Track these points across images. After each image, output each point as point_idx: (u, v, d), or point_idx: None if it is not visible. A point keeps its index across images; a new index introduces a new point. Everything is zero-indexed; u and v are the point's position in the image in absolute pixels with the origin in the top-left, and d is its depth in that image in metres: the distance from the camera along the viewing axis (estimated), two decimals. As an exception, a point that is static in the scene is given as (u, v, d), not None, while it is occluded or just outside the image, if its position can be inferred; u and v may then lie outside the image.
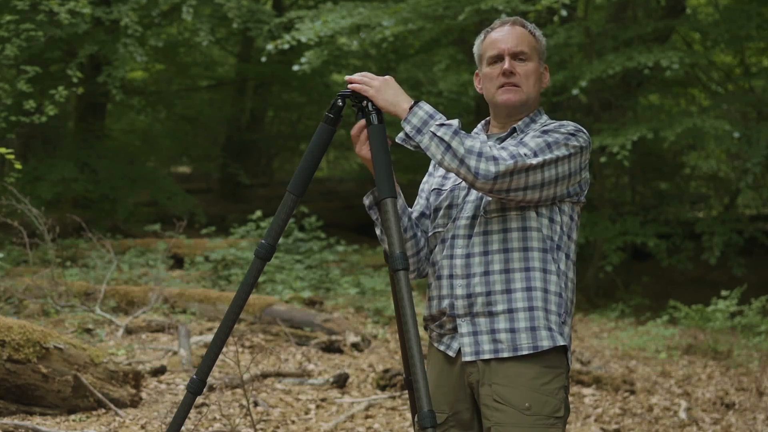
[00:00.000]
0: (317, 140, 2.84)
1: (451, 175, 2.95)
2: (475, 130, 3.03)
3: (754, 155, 10.28)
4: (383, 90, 2.79)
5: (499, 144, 2.88)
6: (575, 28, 11.31)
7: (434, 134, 2.71)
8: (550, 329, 2.78)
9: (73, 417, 5.19)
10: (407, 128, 2.75)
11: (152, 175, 15.61)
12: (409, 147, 2.79)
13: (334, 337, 7.50)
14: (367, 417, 5.74)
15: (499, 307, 2.79)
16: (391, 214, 2.71)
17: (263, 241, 2.84)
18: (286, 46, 11.16)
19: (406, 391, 4.78)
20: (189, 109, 19.55)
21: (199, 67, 18.91)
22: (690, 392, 7.00)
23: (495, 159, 2.67)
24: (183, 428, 2.89)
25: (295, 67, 11.24)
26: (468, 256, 2.82)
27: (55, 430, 4.89)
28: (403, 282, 2.68)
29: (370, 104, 2.80)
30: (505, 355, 2.78)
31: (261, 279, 9.33)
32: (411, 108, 2.75)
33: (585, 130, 2.86)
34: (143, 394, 5.72)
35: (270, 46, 11.24)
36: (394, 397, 6.15)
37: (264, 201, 15.83)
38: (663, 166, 14.77)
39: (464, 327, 2.83)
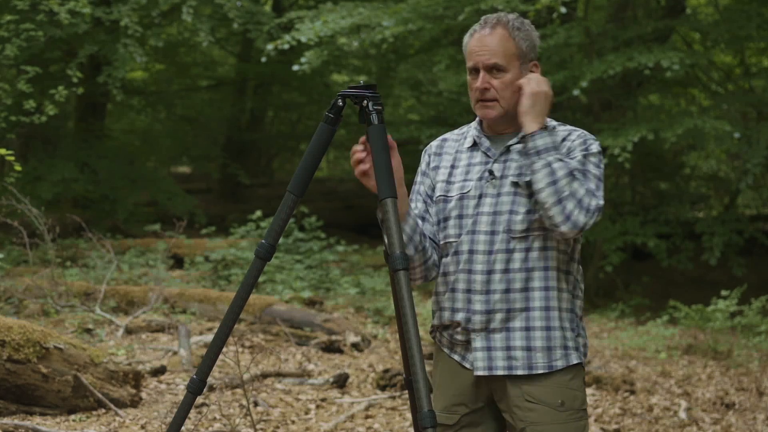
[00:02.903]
0: (317, 140, 2.84)
1: (455, 179, 2.92)
2: (472, 131, 2.97)
3: (754, 155, 10.28)
4: (542, 99, 2.80)
5: (505, 151, 2.87)
6: (575, 28, 11.30)
7: (549, 164, 2.74)
8: (565, 347, 2.84)
9: (73, 417, 5.19)
10: (530, 143, 2.77)
11: (152, 175, 15.61)
12: (510, 149, 2.83)
13: (334, 337, 7.50)
14: (367, 417, 5.74)
15: (517, 324, 2.82)
16: (391, 214, 2.70)
17: (263, 241, 2.84)
18: (286, 47, 11.15)
19: (406, 391, 4.78)
20: (189, 109, 19.55)
21: (199, 67, 18.91)
22: (690, 392, 7.00)
23: (588, 211, 2.72)
24: (183, 428, 2.89)
25: (295, 67, 11.24)
26: (489, 272, 2.82)
27: (55, 430, 4.89)
28: (403, 282, 2.67)
29: (370, 104, 2.79)
30: (520, 372, 2.82)
31: (261, 279, 9.33)
32: (543, 129, 2.78)
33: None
34: (143, 394, 5.72)
35: (270, 47, 11.24)
36: (394, 397, 6.15)
37: (264, 201, 15.83)
38: (663, 166, 14.76)
39: (478, 342, 2.85)
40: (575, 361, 2.84)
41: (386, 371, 6.46)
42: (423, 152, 3.06)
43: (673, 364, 8.03)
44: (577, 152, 2.83)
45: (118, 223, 13.76)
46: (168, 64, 17.94)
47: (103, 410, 5.32)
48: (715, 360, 8.20)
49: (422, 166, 3.04)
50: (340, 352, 7.38)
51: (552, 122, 2.93)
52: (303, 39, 10.94)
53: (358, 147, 2.79)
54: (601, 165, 2.83)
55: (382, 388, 6.35)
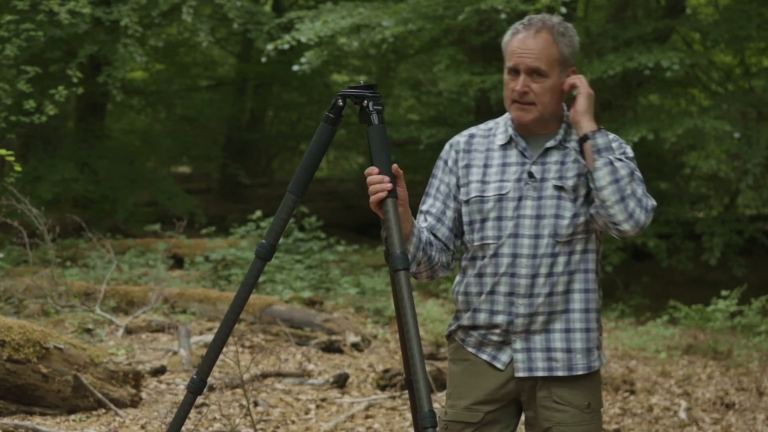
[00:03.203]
0: (318, 140, 2.84)
1: (490, 179, 2.88)
2: (504, 127, 2.93)
3: (754, 155, 10.27)
4: (593, 100, 2.86)
5: (543, 153, 2.87)
6: (575, 28, 11.28)
7: (611, 162, 2.75)
8: (598, 348, 2.90)
9: (73, 417, 5.19)
10: (591, 141, 2.79)
11: (152, 175, 15.60)
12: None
13: (334, 337, 7.50)
14: (367, 417, 5.74)
15: (557, 326, 2.85)
16: (392, 214, 2.70)
17: (264, 241, 2.84)
18: (286, 47, 11.15)
19: (406, 391, 4.78)
20: (189, 109, 19.54)
21: (199, 67, 18.90)
22: (690, 392, 7.00)
23: (647, 210, 2.77)
24: (183, 428, 2.89)
25: (295, 68, 11.24)
26: (534, 276, 2.83)
27: (55, 430, 4.89)
28: (404, 282, 2.67)
29: (370, 104, 2.79)
30: (560, 374, 2.85)
31: (261, 279, 9.32)
32: (599, 129, 2.80)
33: None
34: (143, 394, 5.73)
35: (270, 47, 11.24)
36: (394, 397, 6.15)
37: (264, 201, 15.82)
38: (663, 166, 14.75)
39: (518, 343, 2.86)
40: (603, 361, 2.92)
41: (386, 371, 6.46)
42: (448, 147, 2.98)
43: (673, 364, 8.02)
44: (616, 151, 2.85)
45: (118, 223, 13.75)
46: (168, 64, 17.93)
47: (103, 410, 5.32)
48: (715, 360, 8.20)
49: (448, 162, 2.97)
50: (340, 352, 7.38)
51: None
52: (303, 39, 10.93)
53: (378, 177, 2.74)
54: (638, 169, 2.86)
55: (382, 388, 6.35)
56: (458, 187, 2.93)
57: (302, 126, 20.69)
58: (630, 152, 2.86)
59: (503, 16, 10.26)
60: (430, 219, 2.94)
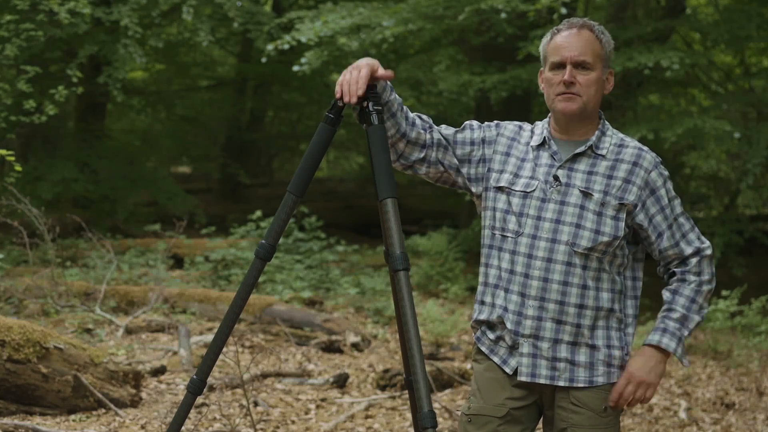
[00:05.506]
0: (318, 140, 2.84)
1: (522, 174, 2.92)
2: (541, 129, 2.97)
3: (754, 155, 10.27)
4: (654, 375, 2.93)
5: (571, 159, 2.89)
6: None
7: (688, 335, 2.93)
8: (609, 365, 2.91)
9: (73, 417, 5.19)
10: (679, 353, 2.95)
11: (152, 175, 15.60)
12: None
13: (334, 337, 7.50)
14: (367, 417, 5.74)
15: (566, 338, 2.85)
16: (392, 215, 2.71)
17: (263, 241, 2.84)
18: (286, 47, 11.15)
19: (406, 391, 4.78)
20: (189, 109, 19.54)
21: (199, 67, 18.90)
22: (690, 392, 7.00)
23: (713, 280, 2.93)
24: (183, 428, 2.89)
25: (295, 68, 11.24)
26: (546, 280, 2.84)
27: (55, 430, 4.89)
28: (404, 282, 2.67)
29: (370, 105, 2.80)
30: (561, 383, 2.87)
31: (261, 279, 9.32)
32: (673, 352, 2.93)
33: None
34: (143, 394, 5.73)
35: (270, 47, 11.24)
36: (394, 397, 6.15)
37: (264, 201, 15.82)
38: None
39: (525, 347, 2.87)
40: (615, 380, 2.90)
41: (386, 371, 6.46)
42: (497, 125, 3.04)
43: (673, 364, 8.02)
44: (662, 194, 2.91)
45: (118, 223, 13.75)
46: (168, 64, 17.93)
47: (103, 410, 5.32)
48: (715, 360, 8.20)
49: (492, 128, 3.02)
50: (340, 352, 7.38)
51: (608, 128, 2.94)
52: (303, 39, 10.93)
53: None
54: (675, 194, 2.94)
55: (382, 388, 6.35)
56: (483, 143, 2.99)
57: (302, 126, 20.70)
58: (666, 174, 2.95)
59: (503, 15, 10.26)
60: (446, 130, 3.00)
